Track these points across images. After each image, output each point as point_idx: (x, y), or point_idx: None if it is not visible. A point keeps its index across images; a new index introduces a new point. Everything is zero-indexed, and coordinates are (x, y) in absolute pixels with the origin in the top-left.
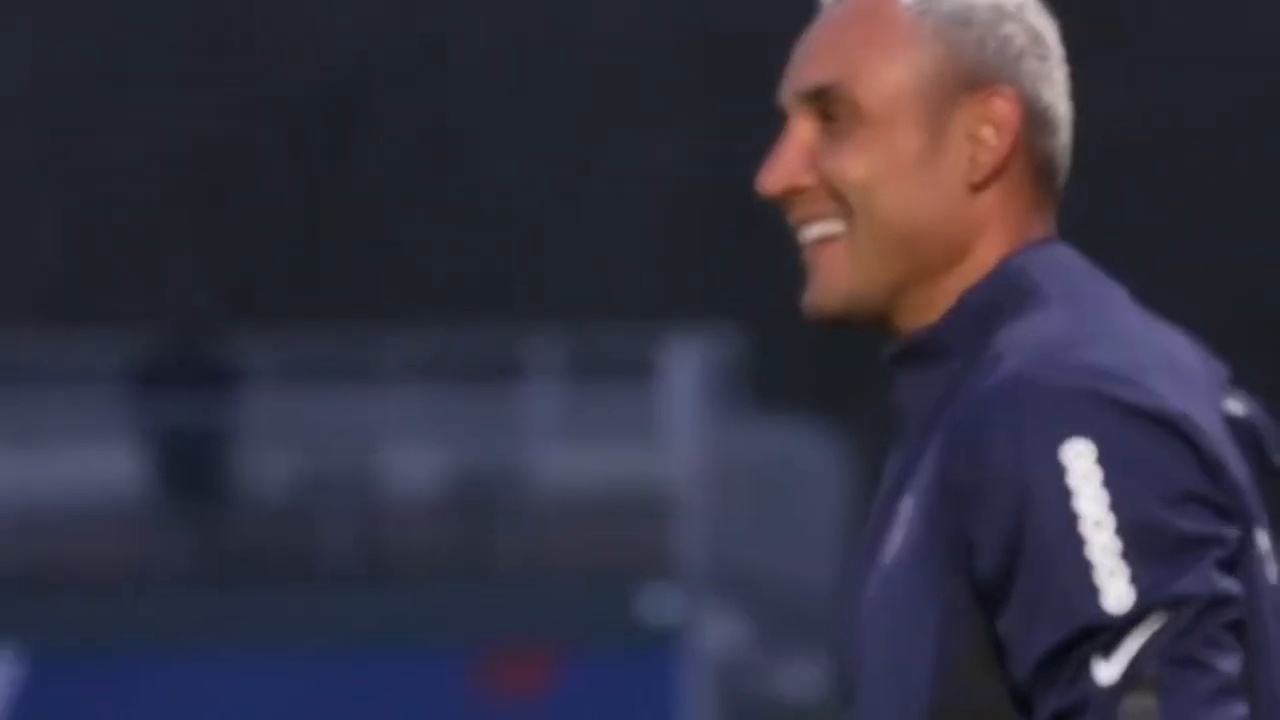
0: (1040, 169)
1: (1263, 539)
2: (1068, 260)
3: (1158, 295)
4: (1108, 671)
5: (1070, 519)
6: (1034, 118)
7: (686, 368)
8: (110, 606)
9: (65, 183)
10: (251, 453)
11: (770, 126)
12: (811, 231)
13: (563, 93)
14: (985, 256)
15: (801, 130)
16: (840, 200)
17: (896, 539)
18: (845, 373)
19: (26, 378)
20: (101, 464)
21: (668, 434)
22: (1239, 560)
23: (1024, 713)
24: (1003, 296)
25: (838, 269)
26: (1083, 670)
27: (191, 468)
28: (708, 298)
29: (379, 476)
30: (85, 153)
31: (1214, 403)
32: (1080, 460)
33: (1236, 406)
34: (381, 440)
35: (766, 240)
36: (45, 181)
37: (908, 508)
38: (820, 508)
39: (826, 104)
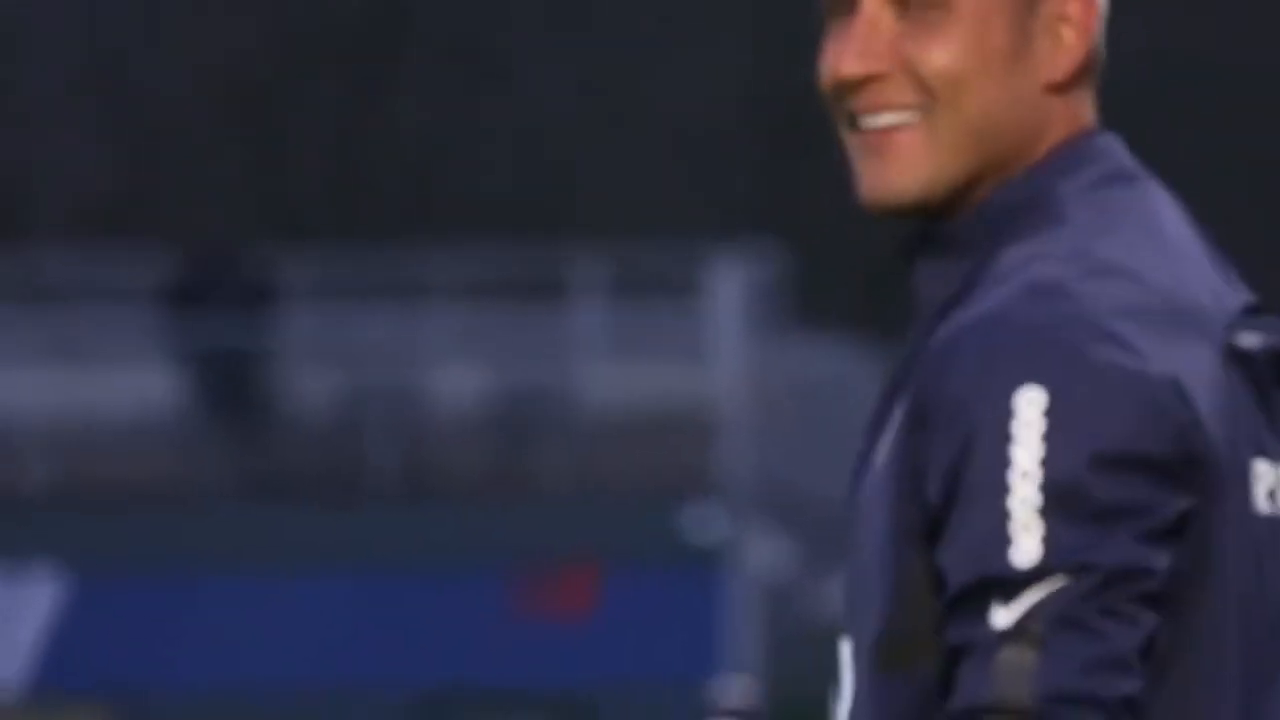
0: (1095, 64)
1: (1270, 474)
2: (1103, 158)
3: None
4: (1002, 618)
5: (1002, 465)
6: (1099, 16)
7: (732, 286)
8: (151, 526)
9: (107, 102)
10: (294, 372)
11: (817, 45)
12: (881, 119)
13: (607, 10)
14: (1042, 155)
15: (876, 14)
16: (923, 90)
17: (886, 443)
18: (891, 291)
19: (69, 297)
20: (144, 383)
21: (713, 353)
22: (1184, 529)
23: None
24: (1026, 201)
25: (912, 159)
26: (982, 613)
27: (234, 387)
28: (753, 216)
29: (423, 396)
30: (128, 72)
31: (1214, 343)
32: (1029, 408)
33: (1252, 339)
34: (426, 359)
35: (813, 158)
36: (88, 102)
37: (897, 416)
38: None
39: None
